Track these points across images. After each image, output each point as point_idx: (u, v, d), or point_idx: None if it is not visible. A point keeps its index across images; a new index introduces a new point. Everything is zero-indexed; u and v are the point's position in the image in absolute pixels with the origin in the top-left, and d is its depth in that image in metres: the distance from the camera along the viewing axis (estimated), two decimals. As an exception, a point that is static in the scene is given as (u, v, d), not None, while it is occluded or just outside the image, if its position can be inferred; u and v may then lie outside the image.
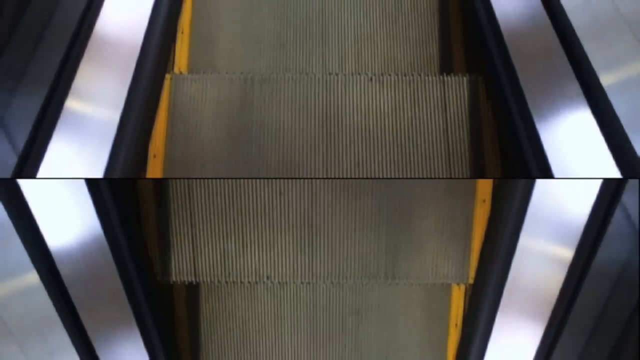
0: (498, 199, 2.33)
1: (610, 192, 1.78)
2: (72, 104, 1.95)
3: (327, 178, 2.38)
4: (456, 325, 2.57)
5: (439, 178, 2.39)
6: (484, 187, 2.38)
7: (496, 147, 2.42)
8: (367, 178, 2.38)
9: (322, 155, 2.41)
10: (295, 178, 2.37)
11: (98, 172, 1.95)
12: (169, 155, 2.43)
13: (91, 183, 1.93)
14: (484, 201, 2.37)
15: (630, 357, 1.85)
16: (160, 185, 2.38)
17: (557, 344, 2.07)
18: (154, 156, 2.41)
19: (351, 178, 2.38)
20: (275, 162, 2.41)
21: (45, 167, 1.80)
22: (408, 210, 2.40)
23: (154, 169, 2.41)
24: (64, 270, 1.99)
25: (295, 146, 2.42)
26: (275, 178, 2.38)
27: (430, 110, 2.47)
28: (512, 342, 2.26)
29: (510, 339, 2.26)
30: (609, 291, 1.91)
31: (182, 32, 2.74)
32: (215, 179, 2.37)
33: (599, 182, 1.82)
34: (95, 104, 2.06)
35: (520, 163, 2.09)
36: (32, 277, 1.89)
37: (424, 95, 2.49)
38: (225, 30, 2.79)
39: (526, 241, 2.08)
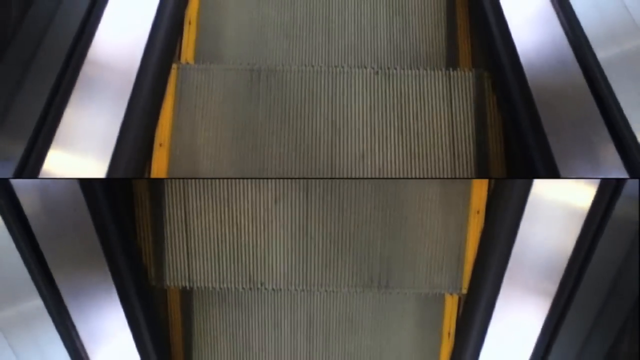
0: (492, 210, 2.34)
1: (609, 194, 1.78)
2: (78, 91, 1.96)
3: (326, 178, 2.39)
4: (449, 334, 2.58)
5: (442, 178, 2.40)
6: (478, 198, 2.39)
7: (501, 142, 2.44)
8: (367, 178, 2.39)
9: (327, 147, 2.42)
10: (294, 178, 2.38)
11: (104, 160, 1.96)
12: (175, 145, 2.44)
13: (86, 185, 1.93)
14: (478, 212, 2.39)
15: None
16: (156, 184, 2.38)
17: (549, 353, 2.08)
18: (160, 145, 2.42)
19: (350, 178, 2.38)
20: (281, 154, 2.42)
21: (52, 156, 1.81)
22: (402, 219, 2.41)
23: (160, 158, 2.42)
24: (57, 277, 1.99)
25: (301, 138, 2.44)
26: (274, 178, 2.38)
27: (436, 104, 2.48)
28: (504, 352, 2.27)
29: (503, 349, 2.27)
30: (605, 302, 1.92)
31: (190, 23, 2.75)
32: (215, 179, 2.37)
33: (599, 183, 1.82)
34: (102, 93, 2.07)
35: (525, 160, 2.10)
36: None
37: (429, 89, 2.50)
38: (232, 21, 2.80)
39: (520, 252, 2.10)
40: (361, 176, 2.41)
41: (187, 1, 2.74)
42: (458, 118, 2.46)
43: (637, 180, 1.70)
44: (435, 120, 2.46)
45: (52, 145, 1.83)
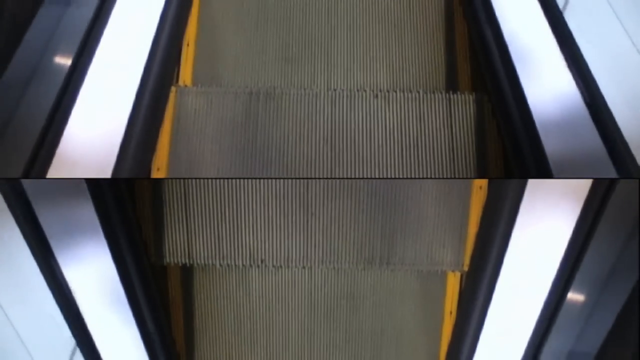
0: (494, 185, 2.30)
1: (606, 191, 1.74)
2: (76, 114, 1.93)
3: (325, 178, 2.37)
4: (450, 312, 2.56)
5: (441, 178, 2.38)
6: (481, 174, 2.36)
7: (501, 167, 2.41)
8: (368, 178, 2.37)
9: (327, 171, 2.40)
10: (295, 178, 2.36)
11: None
12: (173, 169, 2.42)
13: (90, 180, 1.92)
14: (481, 188, 2.35)
15: None
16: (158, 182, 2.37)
17: (550, 332, 2.06)
18: (157, 169, 2.40)
19: (351, 178, 2.36)
20: (279, 176, 2.40)
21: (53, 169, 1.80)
22: (404, 195, 2.38)
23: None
24: (59, 256, 2.00)
25: (300, 162, 2.42)
26: (275, 178, 2.37)
27: (436, 128, 2.44)
28: (505, 330, 2.25)
29: (504, 327, 2.25)
30: (604, 288, 1.89)
31: (188, 45, 2.72)
32: (215, 179, 2.36)
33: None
34: (100, 113, 2.05)
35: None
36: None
37: (429, 113, 2.46)
38: (231, 44, 2.77)
39: (521, 229, 2.06)
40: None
41: (185, 23, 2.70)
42: (458, 142, 2.42)
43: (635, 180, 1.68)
44: (435, 144, 2.43)
45: (51, 168, 1.81)
